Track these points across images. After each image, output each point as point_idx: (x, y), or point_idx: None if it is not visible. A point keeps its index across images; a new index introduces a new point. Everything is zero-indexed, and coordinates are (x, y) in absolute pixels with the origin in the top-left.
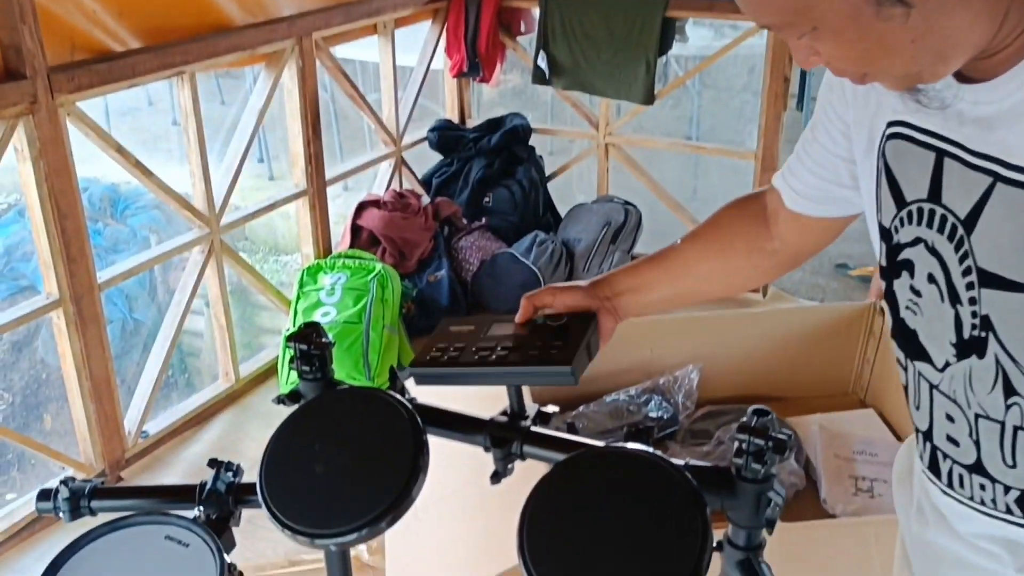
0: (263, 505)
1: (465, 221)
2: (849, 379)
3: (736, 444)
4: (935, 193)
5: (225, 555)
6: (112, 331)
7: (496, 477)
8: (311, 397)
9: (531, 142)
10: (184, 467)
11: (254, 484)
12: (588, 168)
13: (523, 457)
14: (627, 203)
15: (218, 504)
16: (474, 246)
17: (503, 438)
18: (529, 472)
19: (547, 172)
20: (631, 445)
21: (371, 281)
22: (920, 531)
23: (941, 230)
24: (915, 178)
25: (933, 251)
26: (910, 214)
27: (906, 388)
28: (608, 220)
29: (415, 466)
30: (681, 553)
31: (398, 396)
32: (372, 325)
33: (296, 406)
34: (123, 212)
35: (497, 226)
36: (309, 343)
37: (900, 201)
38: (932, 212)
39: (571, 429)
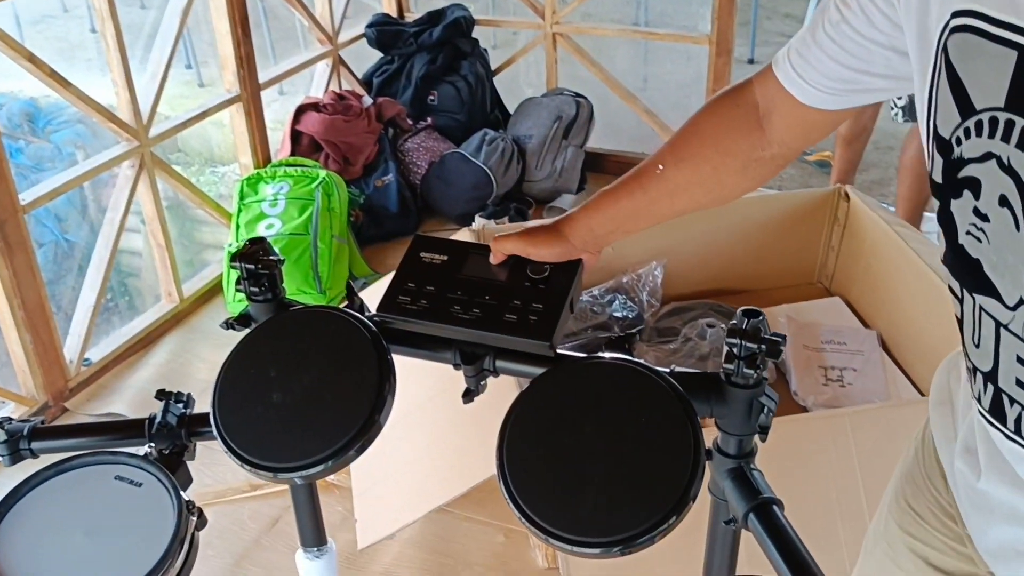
0: (219, 439)
1: (410, 122)
2: (814, 268)
3: (726, 349)
4: (1015, 100)
5: (182, 492)
6: (44, 255)
7: (468, 395)
8: (263, 320)
9: (474, 34)
10: (132, 394)
11: (207, 414)
12: (535, 60)
13: (496, 373)
14: (578, 95)
15: (170, 438)
16: (421, 147)
17: (474, 354)
18: (501, 386)
19: (493, 66)
20: (610, 355)
21: (315, 189)
22: (969, 477)
23: (1021, 145)
24: (988, 82)
25: (1009, 170)
26: (979, 124)
27: (960, 320)
28: (559, 114)
29: (381, 390)
30: (672, 466)
31: (357, 314)
32: (320, 236)
33: (247, 330)
34: (44, 128)
35: (444, 125)
36: (256, 262)
37: (966, 108)
38: (1010, 124)
39: None
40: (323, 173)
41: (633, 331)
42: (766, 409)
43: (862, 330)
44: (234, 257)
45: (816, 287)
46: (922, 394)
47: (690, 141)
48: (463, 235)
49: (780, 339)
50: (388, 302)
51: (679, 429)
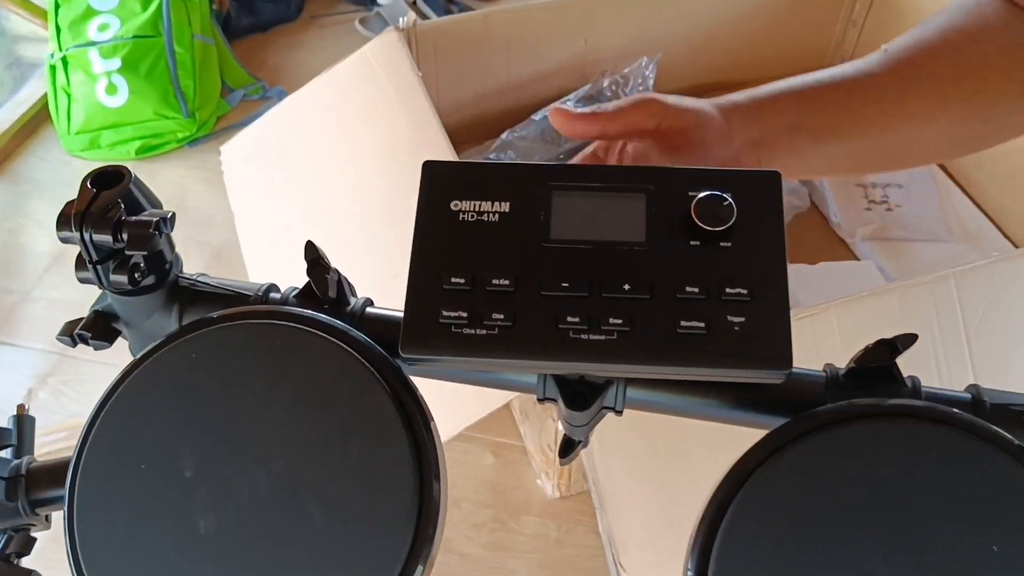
0: None
1: None
2: (828, 49)
3: None
4: None
5: None
6: None
7: (569, 452)
8: (146, 344)
9: None
10: None
11: (58, 465)
12: None
13: (620, 412)
14: None
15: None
16: None
17: (593, 388)
18: None
19: None
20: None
21: None
22: None
23: None
24: None
25: None
26: None
27: None
28: None
29: (424, 490)
30: None
31: (348, 330)
32: (176, 36)
33: (114, 370)
34: None
35: None
36: (116, 227)
37: None
38: None
39: None
40: None
41: None
42: None
43: None
44: (63, 218)
45: None
46: (986, 214)
47: (941, 48)
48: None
49: None
50: (421, 328)
51: None
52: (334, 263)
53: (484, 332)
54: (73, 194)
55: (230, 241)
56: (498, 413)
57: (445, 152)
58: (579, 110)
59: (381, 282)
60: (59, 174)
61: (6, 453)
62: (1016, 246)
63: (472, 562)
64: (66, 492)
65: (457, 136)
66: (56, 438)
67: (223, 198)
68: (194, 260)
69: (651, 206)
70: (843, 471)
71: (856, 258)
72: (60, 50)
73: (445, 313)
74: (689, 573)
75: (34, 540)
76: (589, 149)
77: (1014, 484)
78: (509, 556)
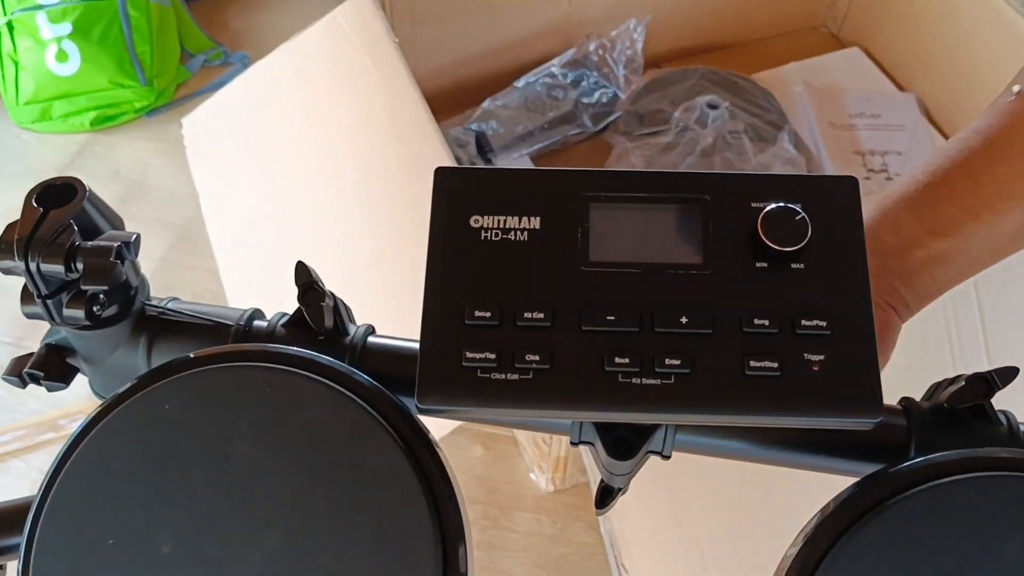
0: None
1: None
2: (820, 11)
3: None
4: None
5: None
6: None
7: (607, 501)
8: (113, 364)
9: None
10: None
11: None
12: None
13: (667, 456)
14: None
15: None
16: None
17: (641, 432)
18: None
19: None
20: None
21: None
22: None
23: None
24: None
25: None
26: None
27: None
28: None
29: (447, 565)
30: None
31: (351, 373)
32: None
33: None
34: None
35: None
36: (68, 256)
37: None
38: None
39: (481, 140)
40: None
41: (607, 122)
42: None
43: (897, 95)
44: (5, 247)
45: (821, 33)
46: None
47: None
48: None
49: None
50: (441, 373)
51: None
52: (310, 246)
53: (516, 377)
54: (24, 171)
55: (194, 219)
56: None
57: (424, 123)
58: None
59: (364, 266)
60: (8, 148)
61: None
62: None
63: None
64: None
65: (435, 104)
66: (12, 436)
67: (186, 172)
68: (157, 241)
69: (709, 220)
70: (949, 533)
71: None
72: (4, 14)
73: (469, 355)
74: None
75: None
76: None
77: None
78: (503, 556)
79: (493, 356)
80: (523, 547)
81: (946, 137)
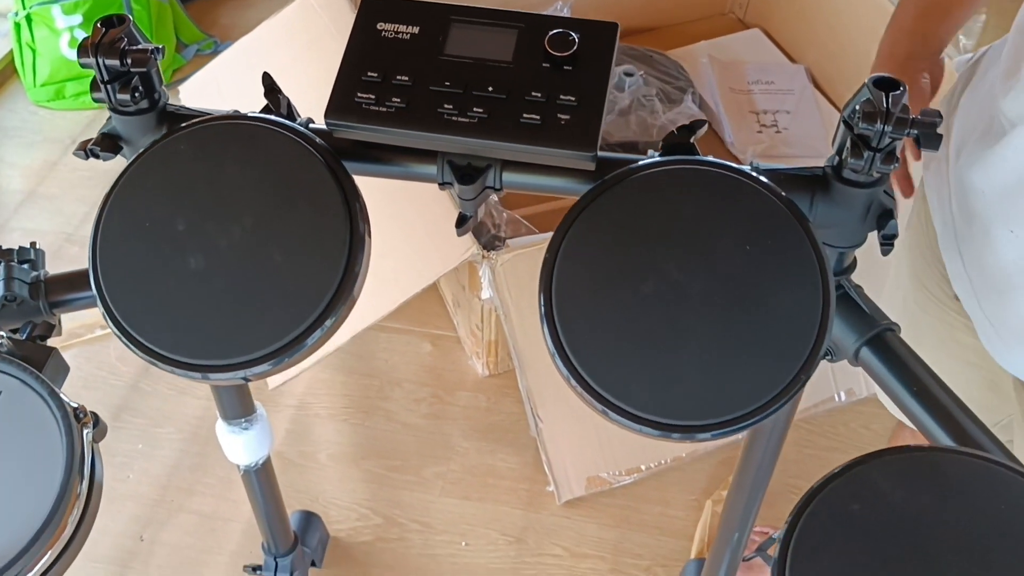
0: (111, 327)
1: None
2: None
3: (849, 139)
4: None
5: (62, 395)
6: None
7: (464, 223)
8: (141, 141)
9: None
10: None
11: (76, 273)
12: None
13: (500, 190)
14: None
15: (24, 315)
16: None
17: (473, 168)
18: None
19: None
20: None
21: None
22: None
23: None
24: None
25: None
26: None
27: None
28: None
29: (353, 229)
30: (794, 302)
31: (292, 124)
32: None
33: (115, 158)
34: None
35: None
36: (120, 55)
37: None
38: None
39: None
40: None
41: None
42: (891, 212)
43: (789, 66)
44: (83, 48)
45: (728, 18)
46: None
47: None
48: None
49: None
50: (342, 102)
51: (794, 249)
52: None
53: (385, 110)
54: (41, 140)
55: None
56: (435, 308)
57: None
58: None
59: None
60: (27, 123)
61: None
62: None
63: (413, 429)
64: (89, 244)
65: None
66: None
67: None
68: None
69: (521, 37)
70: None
71: None
72: (24, 8)
73: (359, 95)
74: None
75: (52, 327)
76: None
77: (746, 197)
78: (445, 423)
79: (373, 97)
80: (463, 417)
81: (829, 100)
